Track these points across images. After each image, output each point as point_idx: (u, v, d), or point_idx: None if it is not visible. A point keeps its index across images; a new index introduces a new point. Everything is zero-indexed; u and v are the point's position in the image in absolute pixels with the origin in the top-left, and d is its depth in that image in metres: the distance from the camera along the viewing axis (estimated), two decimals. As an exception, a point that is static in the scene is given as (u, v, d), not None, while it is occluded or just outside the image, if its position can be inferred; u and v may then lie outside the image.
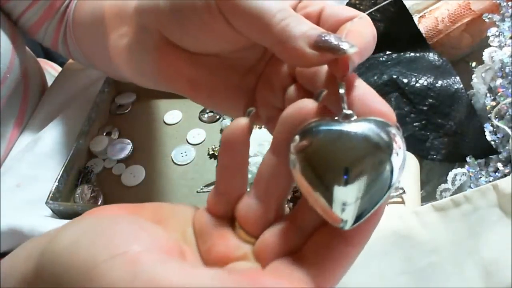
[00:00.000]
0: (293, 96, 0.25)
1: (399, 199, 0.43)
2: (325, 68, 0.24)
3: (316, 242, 0.22)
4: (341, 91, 0.22)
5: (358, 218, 0.20)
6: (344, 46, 0.21)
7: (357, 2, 0.57)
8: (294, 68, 0.26)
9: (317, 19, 0.25)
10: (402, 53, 0.55)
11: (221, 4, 0.24)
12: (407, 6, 0.55)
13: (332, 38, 0.22)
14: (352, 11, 0.25)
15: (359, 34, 0.23)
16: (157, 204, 0.26)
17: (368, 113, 0.21)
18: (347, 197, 0.20)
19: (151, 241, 0.20)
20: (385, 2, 0.54)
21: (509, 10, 0.49)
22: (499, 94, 0.47)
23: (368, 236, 0.21)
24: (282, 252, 0.22)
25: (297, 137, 0.21)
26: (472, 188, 0.44)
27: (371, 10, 0.54)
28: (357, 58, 0.22)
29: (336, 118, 0.21)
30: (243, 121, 0.23)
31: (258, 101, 0.29)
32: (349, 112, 0.21)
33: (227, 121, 0.55)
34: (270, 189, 0.23)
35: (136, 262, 0.18)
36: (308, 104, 0.22)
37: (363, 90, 0.22)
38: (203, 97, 0.30)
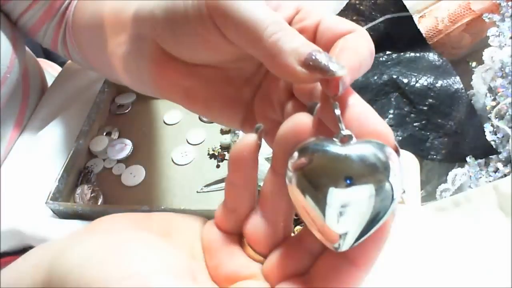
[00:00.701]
0: (291, 113, 0.25)
1: (399, 199, 0.43)
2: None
3: (322, 264, 0.22)
4: (337, 112, 0.21)
5: (357, 239, 0.20)
6: (333, 67, 0.21)
7: (357, 2, 0.57)
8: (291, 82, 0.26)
9: (314, 33, 0.24)
10: (402, 53, 0.55)
11: (213, 14, 0.24)
12: (407, 6, 0.55)
13: (322, 58, 0.21)
14: (350, 25, 0.24)
15: (354, 52, 0.22)
16: (165, 216, 0.26)
17: (366, 133, 0.21)
18: (345, 219, 0.20)
19: (161, 262, 0.20)
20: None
21: (509, 10, 0.49)
22: (499, 94, 0.47)
23: (375, 257, 0.21)
24: (291, 273, 0.23)
25: (295, 155, 0.21)
26: (472, 188, 0.44)
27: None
28: (349, 78, 0.21)
29: (334, 138, 0.21)
30: (251, 138, 0.23)
31: (256, 114, 0.29)
32: (347, 133, 0.21)
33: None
34: (276, 209, 0.24)
35: (146, 285, 0.18)
36: (303, 119, 0.21)
37: (359, 109, 0.21)
38: (198, 108, 0.30)
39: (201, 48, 0.26)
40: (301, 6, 0.26)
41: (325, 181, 0.20)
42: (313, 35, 0.24)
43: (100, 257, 0.20)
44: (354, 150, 0.20)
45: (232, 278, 0.23)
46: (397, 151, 0.20)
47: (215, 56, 0.27)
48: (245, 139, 0.23)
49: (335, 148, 0.20)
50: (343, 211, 0.20)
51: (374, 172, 0.20)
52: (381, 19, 0.54)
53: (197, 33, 0.25)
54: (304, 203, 0.20)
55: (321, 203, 0.20)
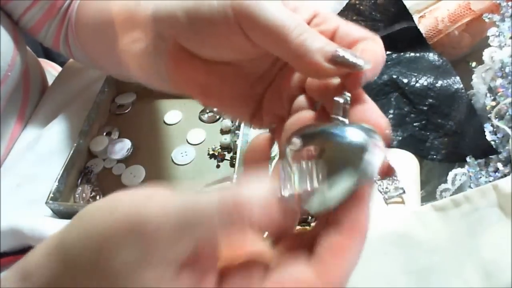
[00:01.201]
0: (301, 106, 0.27)
1: (399, 199, 0.43)
2: (333, 81, 0.25)
3: (323, 243, 0.22)
4: (340, 100, 0.23)
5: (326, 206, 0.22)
6: (360, 62, 0.23)
7: (357, 2, 0.57)
8: (305, 80, 0.27)
9: (331, 38, 0.26)
10: (402, 53, 0.55)
11: (239, 18, 0.25)
12: (407, 6, 0.55)
13: (348, 54, 0.23)
14: (365, 32, 0.26)
15: (373, 53, 0.24)
16: None
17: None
18: (324, 192, 0.21)
19: None
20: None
21: (509, 10, 0.49)
22: (499, 94, 0.47)
23: (360, 222, 0.22)
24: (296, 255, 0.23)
25: (294, 139, 0.23)
26: (472, 188, 0.44)
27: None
28: (370, 74, 0.24)
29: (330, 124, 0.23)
30: (265, 135, 0.26)
31: (264, 109, 0.30)
32: (344, 120, 0.23)
33: (227, 122, 0.55)
34: None
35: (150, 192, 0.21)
36: (308, 112, 0.24)
37: (368, 106, 0.24)
38: (213, 103, 0.31)
39: (223, 48, 0.28)
40: (318, 11, 0.27)
41: (310, 166, 0.22)
42: (331, 40, 0.26)
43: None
44: (344, 131, 0.22)
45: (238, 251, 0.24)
46: (388, 144, 0.22)
47: (235, 55, 0.28)
48: (260, 136, 0.26)
49: (327, 128, 0.22)
50: (322, 197, 0.21)
51: (358, 153, 0.21)
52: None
53: (221, 34, 0.27)
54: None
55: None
